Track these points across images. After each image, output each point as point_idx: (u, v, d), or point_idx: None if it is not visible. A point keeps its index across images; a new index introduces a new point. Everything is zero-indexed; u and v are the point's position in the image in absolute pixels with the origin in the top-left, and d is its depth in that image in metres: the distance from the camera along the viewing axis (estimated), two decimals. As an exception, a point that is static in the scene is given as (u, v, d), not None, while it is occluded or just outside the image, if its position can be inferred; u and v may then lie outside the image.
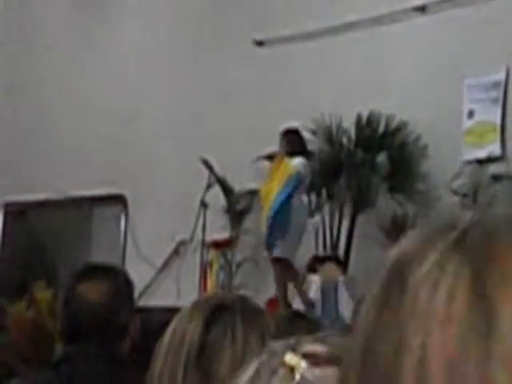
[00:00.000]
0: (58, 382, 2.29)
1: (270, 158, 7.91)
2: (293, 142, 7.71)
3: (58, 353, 3.14)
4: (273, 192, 7.52)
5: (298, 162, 7.53)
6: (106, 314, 2.38)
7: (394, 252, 0.70)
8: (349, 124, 8.02)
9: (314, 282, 7.17)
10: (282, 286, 7.42)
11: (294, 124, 7.91)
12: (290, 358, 0.94)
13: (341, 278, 7.34)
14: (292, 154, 7.59)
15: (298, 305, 6.85)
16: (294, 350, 0.95)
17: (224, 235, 8.56)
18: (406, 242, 0.69)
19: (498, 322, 0.59)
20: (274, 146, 8.57)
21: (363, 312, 0.68)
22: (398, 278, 0.66)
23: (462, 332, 0.60)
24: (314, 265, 7.56)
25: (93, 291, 2.40)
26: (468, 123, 7.76)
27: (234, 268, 8.64)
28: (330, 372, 0.94)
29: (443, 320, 0.61)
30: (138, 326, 2.43)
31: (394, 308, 0.64)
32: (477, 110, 7.74)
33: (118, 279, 2.48)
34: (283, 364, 0.94)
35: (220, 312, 1.68)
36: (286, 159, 7.57)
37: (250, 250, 8.73)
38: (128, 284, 2.51)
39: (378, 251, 8.01)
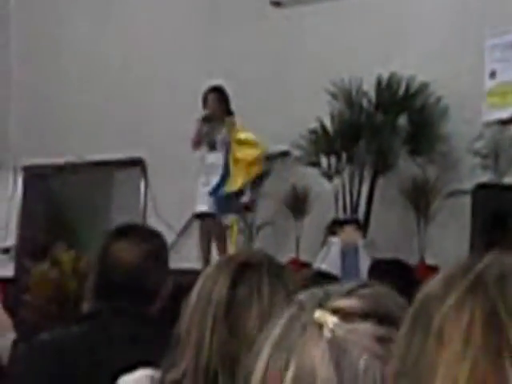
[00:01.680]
0: (89, 336, 2.31)
1: (206, 120, 7.89)
2: (222, 100, 7.83)
3: (84, 311, 3.17)
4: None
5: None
6: (137, 274, 2.39)
7: (419, 294, 0.83)
8: (369, 86, 7.96)
9: (335, 245, 7.18)
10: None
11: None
12: (320, 315, 0.92)
13: (361, 241, 7.35)
14: (223, 112, 7.76)
15: (318, 265, 6.87)
16: (322, 305, 0.94)
17: (243, 199, 8.56)
18: (430, 285, 0.81)
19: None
20: (293, 111, 8.54)
21: (394, 347, 0.82)
22: (423, 317, 0.79)
23: (478, 359, 0.74)
24: (334, 228, 7.56)
25: (128, 251, 2.40)
26: (490, 84, 7.67)
27: (253, 232, 8.67)
28: (361, 327, 0.93)
29: (463, 351, 0.74)
30: (169, 290, 2.44)
31: (420, 343, 0.78)
32: (499, 70, 7.65)
33: (153, 242, 2.48)
34: (312, 321, 0.92)
35: (246, 269, 1.69)
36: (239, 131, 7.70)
37: (270, 213, 8.74)
38: (163, 247, 2.52)
39: (398, 214, 8.01)
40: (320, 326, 0.92)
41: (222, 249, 7.79)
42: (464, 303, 0.77)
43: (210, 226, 7.95)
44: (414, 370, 0.77)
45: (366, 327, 0.93)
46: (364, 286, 0.98)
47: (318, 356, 0.90)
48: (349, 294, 0.96)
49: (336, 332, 0.91)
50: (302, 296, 0.97)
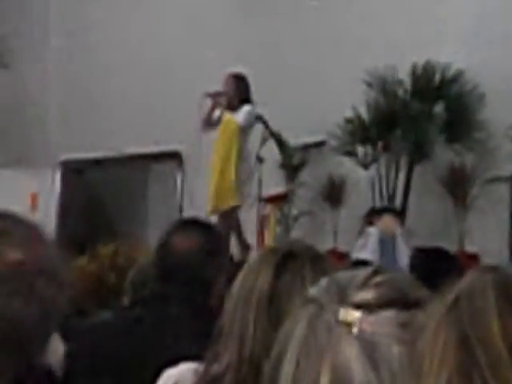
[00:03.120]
0: (142, 320, 2.36)
1: (216, 96, 7.66)
2: (241, 88, 7.53)
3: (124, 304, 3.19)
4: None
5: (244, 111, 7.40)
6: (193, 266, 2.45)
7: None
8: (404, 74, 7.90)
9: (372, 234, 7.15)
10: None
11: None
12: (345, 314, 0.92)
13: (398, 230, 7.30)
14: (240, 100, 7.45)
15: (356, 255, 6.85)
16: (342, 302, 0.93)
17: (280, 189, 8.56)
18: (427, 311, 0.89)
19: (481, 363, 0.79)
20: (329, 100, 8.50)
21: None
22: (414, 343, 0.87)
23: (452, 379, 0.80)
24: (372, 217, 7.52)
25: (185, 244, 2.47)
26: (527, 69, 7.58)
27: (290, 222, 8.66)
28: (385, 316, 0.93)
29: (438, 372, 0.81)
30: (223, 284, 2.47)
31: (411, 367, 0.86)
32: (536, 55, 7.55)
33: (211, 236, 2.54)
34: (338, 320, 0.92)
35: (289, 260, 1.69)
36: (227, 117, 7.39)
37: (306, 203, 8.73)
38: (220, 241, 2.60)
39: (436, 202, 7.95)
40: (346, 323, 0.91)
41: (241, 240, 7.71)
42: (440, 328, 0.82)
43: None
44: None
45: (390, 315, 0.93)
46: (375, 272, 0.97)
47: (351, 354, 0.90)
48: (363, 284, 0.95)
49: (363, 327, 0.91)
50: (316, 292, 0.96)
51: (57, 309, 1.21)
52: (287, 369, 0.92)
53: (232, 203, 7.49)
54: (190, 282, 2.42)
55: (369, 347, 0.90)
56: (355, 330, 0.91)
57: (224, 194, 7.47)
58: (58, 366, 2.43)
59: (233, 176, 7.46)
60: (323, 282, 0.98)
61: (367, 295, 0.93)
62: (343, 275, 0.97)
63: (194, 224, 2.59)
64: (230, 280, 1.74)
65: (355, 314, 0.91)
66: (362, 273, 0.96)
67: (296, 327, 0.94)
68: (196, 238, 2.48)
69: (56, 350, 2.61)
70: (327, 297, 0.94)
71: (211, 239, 2.52)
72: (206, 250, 2.46)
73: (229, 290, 1.70)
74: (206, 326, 1.82)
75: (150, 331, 2.31)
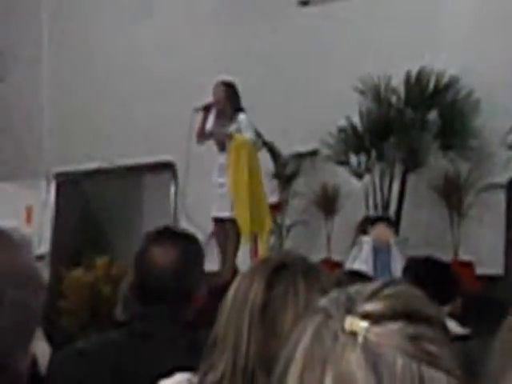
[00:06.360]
0: (126, 342, 2.32)
1: (207, 108, 7.64)
2: (232, 96, 7.50)
3: (117, 314, 3.18)
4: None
5: (244, 121, 7.38)
6: (172, 277, 2.40)
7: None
8: (398, 83, 7.92)
9: (366, 243, 7.15)
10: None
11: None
12: (351, 323, 0.92)
13: (393, 239, 7.30)
14: (233, 109, 7.44)
15: (350, 264, 6.85)
16: (350, 311, 0.93)
17: (273, 199, 8.56)
18: None
19: None
20: (322, 109, 8.52)
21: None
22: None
23: None
24: (366, 226, 7.52)
25: (162, 254, 2.42)
26: (522, 75, 7.60)
27: (284, 231, 8.66)
28: (392, 328, 0.93)
29: None
30: (204, 294, 2.45)
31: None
32: (530, 61, 7.57)
33: (188, 244, 2.49)
34: (344, 329, 0.92)
35: (281, 270, 1.69)
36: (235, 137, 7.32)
37: (300, 213, 8.73)
38: (198, 250, 2.53)
39: (431, 210, 7.95)
40: (352, 332, 0.91)
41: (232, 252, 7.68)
42: None
43: (228, 228, 7.77)
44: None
45: (397, 328, 0.92)
46: (385, 285, 0.97)
47: (354, 363, 0.90)
48: (373, 295, 0.95)
49: (369, 337, 0.91)
50: (325, 302, 0.97)
51: (32, 314, 1.20)
52: (293, 375, 0.92)
53: (268, 227, 7.51)
54: (171, 295, 2.37)
55: (373, 357, 0.90)
56: (360, 339, 0.91)
57: (262, 219, 7.44)
58: (44, 368, 2.42)
59: (265, 200, 7.50)
60: (333, 293, 0.98)
61: (375, 306, 0.93)
62: (353, 288, 0.98)
63: (168, 234, 2.51)
64: (218, 297, 1.73)
65: (361, 324, 0.91)
66: (372, 285, 0.97)
67: (303, 335, 0.94)
68: (171, 249, 2.41)
69: (43, 353, 2.60)
70: (335, 306, 0.95)
71: (186, 248, 2.46)
72: (182, 259, 2.41)
73: (219, 303, 1.70)
74: (192, 339, 1.81)
75: (133, 353, 2.28)
